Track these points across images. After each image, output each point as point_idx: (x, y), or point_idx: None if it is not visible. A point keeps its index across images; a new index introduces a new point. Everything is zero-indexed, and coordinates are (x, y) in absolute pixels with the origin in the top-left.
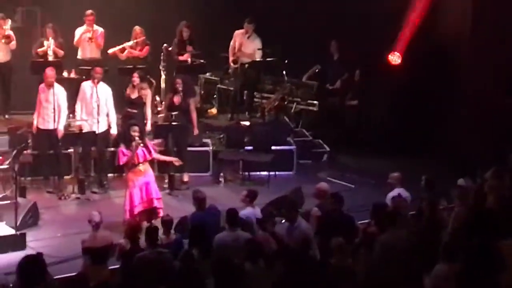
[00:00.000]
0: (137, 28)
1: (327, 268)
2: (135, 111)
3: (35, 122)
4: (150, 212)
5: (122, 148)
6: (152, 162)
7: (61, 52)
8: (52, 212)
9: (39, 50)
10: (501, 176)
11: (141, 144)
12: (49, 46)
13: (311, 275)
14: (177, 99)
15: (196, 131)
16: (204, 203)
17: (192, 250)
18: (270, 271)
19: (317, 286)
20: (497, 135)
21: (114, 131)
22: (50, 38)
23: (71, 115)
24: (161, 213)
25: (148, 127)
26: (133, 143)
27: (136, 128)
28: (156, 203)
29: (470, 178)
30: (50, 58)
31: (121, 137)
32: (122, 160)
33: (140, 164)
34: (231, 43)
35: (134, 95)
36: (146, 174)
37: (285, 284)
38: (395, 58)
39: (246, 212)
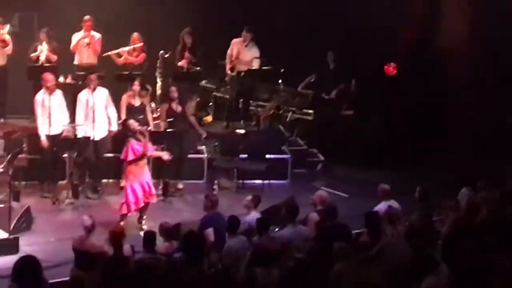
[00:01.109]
0: (135, 34)
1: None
2: (141, 116)
3: (43, 134)
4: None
5: (133, 142)
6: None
7: (54, 57)
8: (46, 217)
9: (33, 54)
10: (491, 188)
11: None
12: (42, 51)
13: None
14: (176, 107)
15: (203, 133)
16: (216, 206)
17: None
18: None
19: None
20: (493, 149)
21: (114, 128)
22: (44, 43)
23: (67, 121)
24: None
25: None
26: (141, 133)
27: (132, 120)
28: (152, 199)
29: (471, 188)
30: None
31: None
32: (136, 152)
33: (144, 158)
34: (229, 51)
35: (136, 103)
36: (146, 170)
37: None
38: (391, 69)
39: (251, 217)
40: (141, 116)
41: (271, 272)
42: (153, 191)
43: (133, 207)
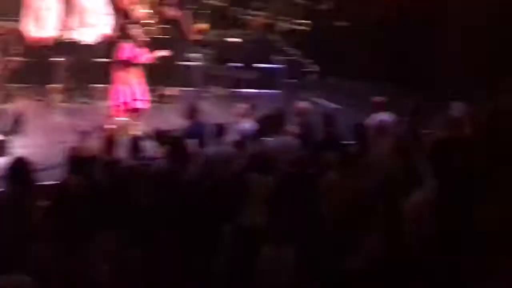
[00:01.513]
0: None
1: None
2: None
3: (28, 32)
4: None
5: (127, 45)
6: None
7: None
8: (39, 120)
9: None
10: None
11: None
12: None
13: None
14: (169, 12)
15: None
16: (197, 114)
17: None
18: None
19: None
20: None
21: (107, 31)
22: None
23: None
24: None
25: None
26: (140, 40)
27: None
28: (143, 104)
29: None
30: None
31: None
32: (130, 53)
33: (132, 64)
34: None
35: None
36: (136, 75)
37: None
38: None
39: (243, 125)
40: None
41: (266, 179)
42: (139, 96)
43: (122, 108)
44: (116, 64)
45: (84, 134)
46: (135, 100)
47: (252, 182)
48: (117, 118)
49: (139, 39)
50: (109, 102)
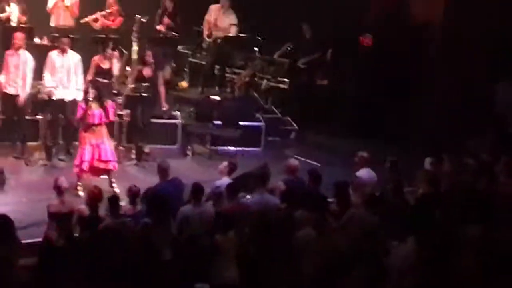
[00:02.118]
0: None
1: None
2: (105, 81)
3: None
4: (100, 170)
5: (82, 103)
6: (120, 133)
7: (23, 18)
8: (18, 177)
9: (1, 15)
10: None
11: (98, 105)
12: (11, 12)
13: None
14: (146, 71)
15: (164, 105)
16: (167, 173)
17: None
18: (239, 239)
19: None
20: (463, 120)
21: (79, 97)
22: (12, 4)
23: (40, 82)
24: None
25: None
26: (90, 101)
27: (93, 90)
28: (109, 166)
29: (436, 159)
30: (13, 24)
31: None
32: (79, 114)
33: (95, 126)
34: (206, 16)
35: (105, 65)
36: (100, 137)
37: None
38: (366, 41)
39: (223, 182)
40: (106, 81)
41: (229, 236)
42: (108, 157)
43: (85, 165)
44: (79, 124)
45: (61, 190)
46: (98, 160)
47: (221, 241)
48: (84, 177)
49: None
50: (75, 161)
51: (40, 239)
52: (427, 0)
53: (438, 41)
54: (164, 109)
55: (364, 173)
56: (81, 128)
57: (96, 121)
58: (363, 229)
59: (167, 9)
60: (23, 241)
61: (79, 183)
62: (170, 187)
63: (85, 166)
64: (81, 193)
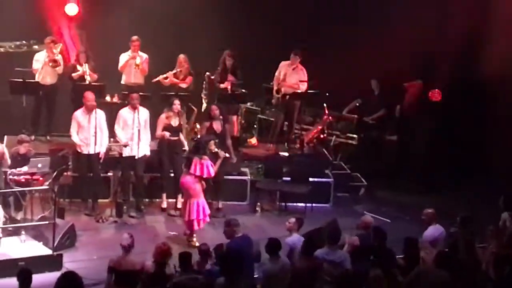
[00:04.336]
0: (181, 56)
1: None
2: (175, 138)
3: (80, 148)
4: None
5: (208, 161)
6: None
7: (94, 76)
8: (89, 234)
9: (74, 74)
10: None
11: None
12: (85, 72)
13: None
14: (216, 126)
15: (233, 158)
16: (237, 230)
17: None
18: None
19: None
20: None
21: (147, 152)
22: (85, 64)
23: (111, 139)
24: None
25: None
26: (220, 154)
27: (213, 141)
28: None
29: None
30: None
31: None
32: (208, 172)
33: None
34: (276, 73)
35: (175, 122)
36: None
37: None
38: (435, 95)
39: (294, 239)
40: (175, 138)
41: None
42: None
43: (201, 223)
44: (196, 179)
45: (128, 246)
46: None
47: None
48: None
49: (219, 157)
50: (190, 216)
51: None
52: (497, 54)
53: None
54: (233, 161)
55: (432, 230)
56: (196, 181)
57: (205, 175)
58: (433, 286)
59: (227, 66)
60: None
61: (194, 235)
62: (241, 243)
63: (203, 221)
64: (197, 243)
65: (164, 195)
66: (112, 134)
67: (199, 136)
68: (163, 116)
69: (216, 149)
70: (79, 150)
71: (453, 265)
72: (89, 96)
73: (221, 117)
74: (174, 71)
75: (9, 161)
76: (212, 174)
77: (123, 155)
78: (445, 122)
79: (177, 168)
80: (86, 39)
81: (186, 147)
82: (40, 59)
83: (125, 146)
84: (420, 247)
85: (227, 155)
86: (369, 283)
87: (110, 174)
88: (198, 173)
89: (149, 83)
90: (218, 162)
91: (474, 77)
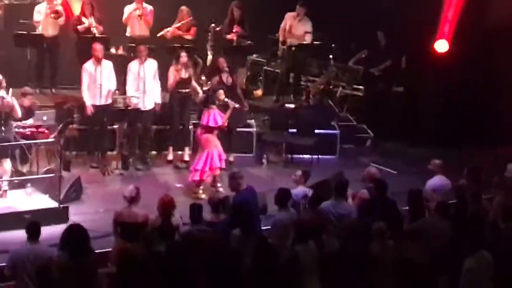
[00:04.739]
0: (183, 8)
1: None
2: (187, 90)
3: (88, 101)
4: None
5: (216, 111)
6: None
7: (101, 28)
8: (95, 187)
9: (80, 27)
10: None
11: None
12: (91, 24)
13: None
14: (226, 78)
15: (246, 105)
16: (242, 183)
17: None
18: (320, 250)
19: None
20: None
21: (158, 100)
22: (91, 17)
23: (117, 91)
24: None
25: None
26: (230, 104)
27: (222, 91)
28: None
29: None
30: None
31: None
32: (221, 120)
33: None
34: (282, 24)
35: (184, 75)
36: (218, 142)
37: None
38: (442, 45)
39: (300, 190)
40: (187, 90)
41: (309, 247)
42: (223, 163)
43: (207, 174)
44: (206, 129)
45: (131, 199)
46: (223, 159)
47: (301, 252)
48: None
49: (229, 107)
50: (196, 166)
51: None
52: (505, 5)
53: None
54: (246, 109)
55: (436, 180)
56: (204, 132)
57: (213, 124)
58: (436, 238)
59: (235, 17)
60: (98, 251)
61: (201, 187)
62: (246, 196)
63: (210, 172)
64: (203, 195)
65: (171, 148)
66: (120, 86)
67: (206, 88)
68: (171, 69)
69: (226, 99)
70: (89, 103)
71: (458, 216)
72: (98, 47)
73: (227, 68)
74: (178, 24)
75: (19, 113)
76: (220, 123)
77: (129, 107)
78: (453, 74)
79: (186, 121)
80: None
81: (201, 93)
82: (41, 10)
83: (130, 98)
84: (424, 198)
85: (237, 105)
86: (372, 235)
87: (115, 126)
88: (205, 122)
89: (155, 35)
90: (228, 112)
91: (485, 27)
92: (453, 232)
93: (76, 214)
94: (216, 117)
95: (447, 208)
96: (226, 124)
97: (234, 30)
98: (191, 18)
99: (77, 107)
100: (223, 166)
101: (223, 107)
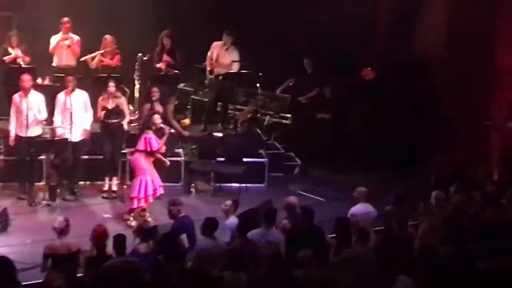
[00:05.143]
0: (107, 37)
1: (293, 280)
2: (114, 121)
3: (12, 132)
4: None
5: (152, 136)
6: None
7: (27, 59)
8: (22, 218)
9: (6, 58)
10: (464, 191)
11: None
12: (17, 55)
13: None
14: (157, 107)
15: (185, 133)
16: (179, 212)
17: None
18: (250, 278)
19: None
20: (471, 150)
21: (87, 127)
22: (16, 47)
23: (44, 122)
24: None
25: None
26: (165, 129)
27: (158, 115)
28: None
29: (443, 192)
30: (18, 65)
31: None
32: (157, 145)
33: (154, 155)
34: (209, 53)
35: (110, 105)
36: (152, 167)
37: None
38: (368, 74)
39: (232, 221)
40: (114, 121)
41: (239, 276)
42: (159, 191)
43: (142, 202)
44: (142, 155)
45: (61, 230)
46: (159, 186)
47: (226, 280)
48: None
49: (164, 133)
50: (134, 194)
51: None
52: (429, 30)
53: (442, 73)
54: (186, 135)
55: (359, 208)
56: (137, 157)
57: (148, 149)
58: (360, 266)
59: (165, 46)
60: (25, 283)
61: (132, 214)
62: (186, 223)
63: (144, 200)
64: (133, 223)
65: (107, 178)
66: (48, 116)
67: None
68: (100, 99)
69: (161, 125)
70: (13, 134)
71: (385, 244)
72: (25, 77)
73: (159, 97)
74: (102, 51)
75: None
76: (155, 148)
77: (55, 138)
78: (381, 101)
79: (115, 151)
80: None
81: (126, 127)
82: None
83: (56, 129)
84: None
85: (173, 130)
86: (298, 264)
87: (43, 157)
88: (141, 147)
89: (81, 65)
90: (164, 137)
91: (409, 55)
92: (378, 259)
93: (3, 246)
94: (152, 141)
95: (367, 236)
96: (162, 149)
97: (164, 59)
98: (115, 46)
99: (3, 138)
100: (158, 193)
101: (159, 133)
